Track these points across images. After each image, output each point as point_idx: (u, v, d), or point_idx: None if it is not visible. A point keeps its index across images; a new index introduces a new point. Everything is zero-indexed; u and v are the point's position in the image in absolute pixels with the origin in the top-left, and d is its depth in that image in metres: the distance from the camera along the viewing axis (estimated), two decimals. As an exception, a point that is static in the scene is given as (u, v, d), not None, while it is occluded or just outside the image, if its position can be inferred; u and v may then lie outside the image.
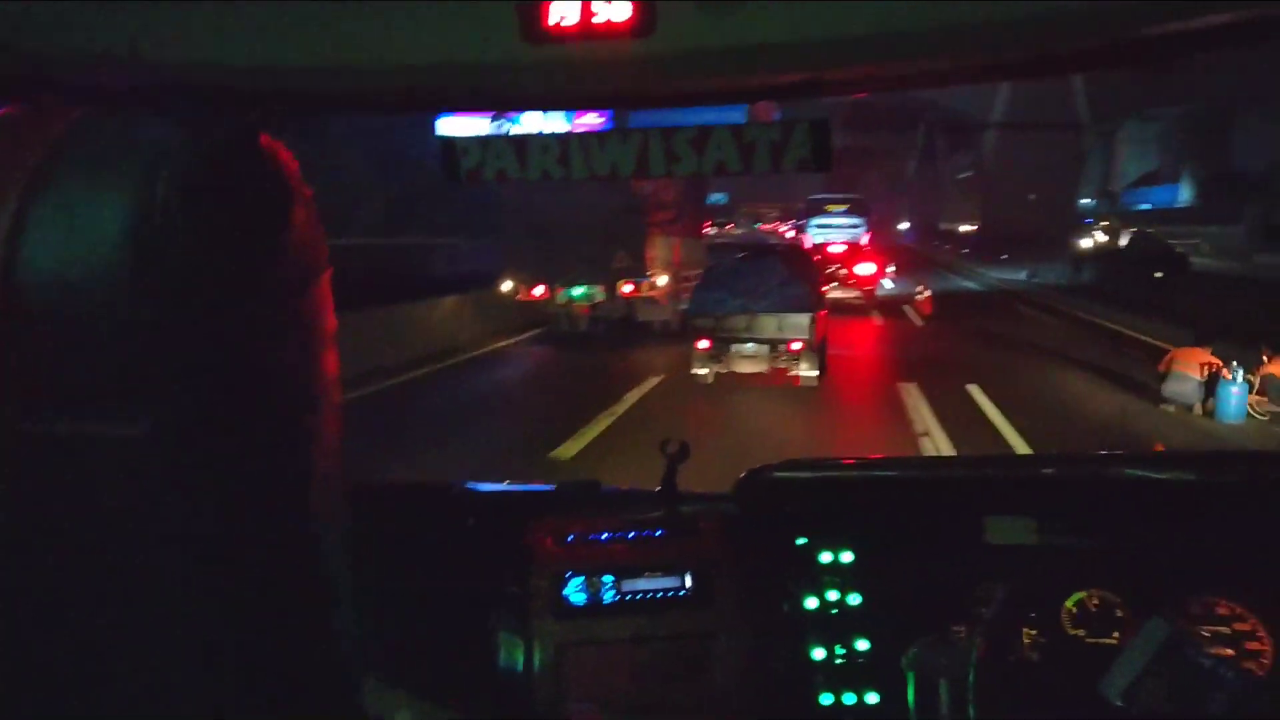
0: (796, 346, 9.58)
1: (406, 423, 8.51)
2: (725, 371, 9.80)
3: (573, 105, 1.42)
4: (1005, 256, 31.37)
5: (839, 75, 0.93)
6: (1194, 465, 1.39)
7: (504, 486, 1.65)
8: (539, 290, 13.93)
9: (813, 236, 28.41)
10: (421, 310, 13.16)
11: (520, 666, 1.35)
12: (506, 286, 14.37)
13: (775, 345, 9.65)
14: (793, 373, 9.63)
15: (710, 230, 22.36)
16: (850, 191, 35.39)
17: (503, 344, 14.29)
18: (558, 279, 13.88)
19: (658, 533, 1.43)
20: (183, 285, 0.65)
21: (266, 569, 0.72)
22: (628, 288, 13.94)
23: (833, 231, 28.30)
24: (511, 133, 1.16)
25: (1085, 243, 34.56)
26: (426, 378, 11.18)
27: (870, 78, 1.01)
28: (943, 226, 60.74)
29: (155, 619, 0.70)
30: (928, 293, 17.90)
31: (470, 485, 1.58)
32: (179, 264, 0.64)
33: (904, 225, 64.92)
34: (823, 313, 10.15)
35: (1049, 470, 1.41)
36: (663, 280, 14.57)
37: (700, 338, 9.78)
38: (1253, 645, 1.22)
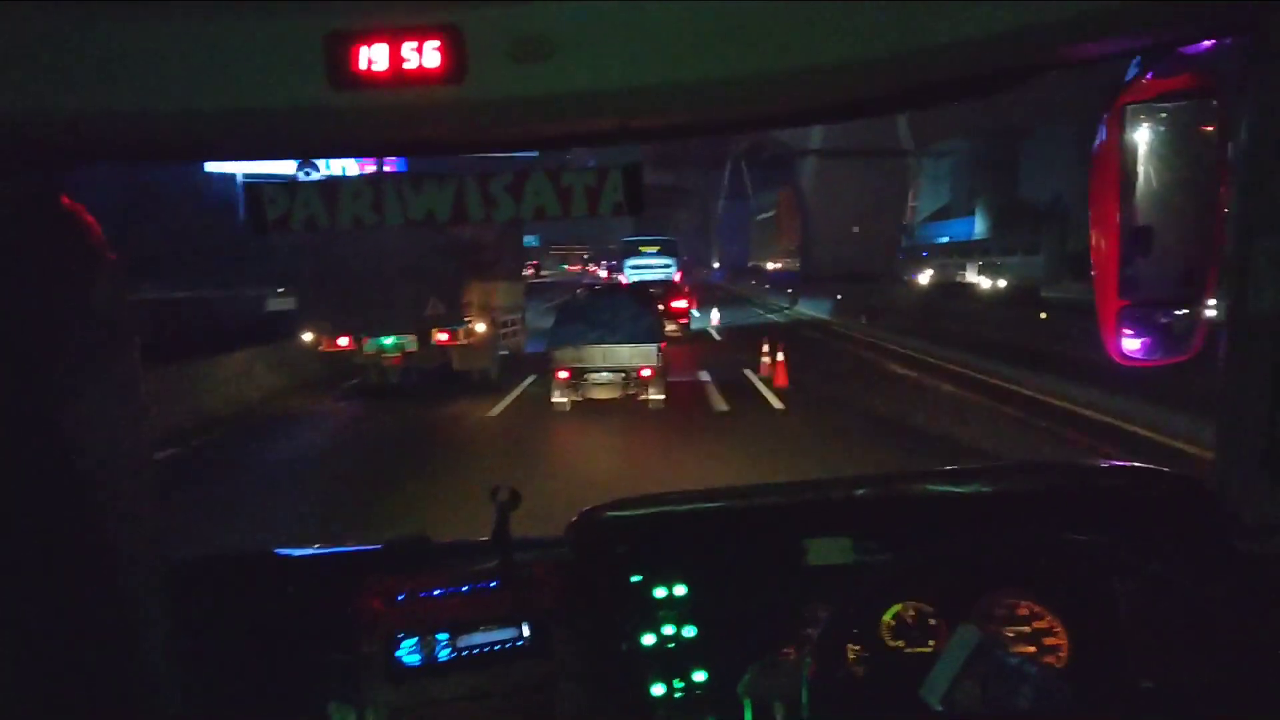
0: (647, 373, 11.33)
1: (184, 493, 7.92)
2: (582, 399, 11.37)
3: (382, 152, 1.45)
4: (840, 297, 29.52)
5: (646, 123, 1.03)
6: (991, 478, 1.57)
7: (327, 550, 1.63)
8: (343, 341, 13.34)
9: (629, 275, 32.98)
10: (197, 369, 12.30)
11: None
12: (307, 337, 13.55)
13: (628, 373, 11.34)
14: (642, 397, 11.42)
15: (528, 273, 22.15)
16: (661, 233, 40.85)
17: (300, 402, 13.56)
18: (364, 328, 13.32)
19: (492, 584, 1.46)
20: None
21: (79, 648, 0.70)
22: (443, 336, 13.62)
23: (647, 271, 33.10)
24: (313, 177, 1.17)
25: (922, 278, 35.70)
26: (197, 449, 10.23)
27: (676, 125, 1.11)
28: (751, 264, 62.69)
29: None
30: (780, 355, 13.52)
31: (289, 551, 1.55)
32: None
33: (715, 264, 68.20)
34: (665, 343, 11.78)
35: (861, 491, 1.56)
36: (481, 327, 14.41)
37: (560, 369, 11.32)
38: (1051, 641, 1.40)
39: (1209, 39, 1.39)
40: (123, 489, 0.70)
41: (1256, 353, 1.30)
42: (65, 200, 0.67)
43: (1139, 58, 1.50)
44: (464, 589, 1.46)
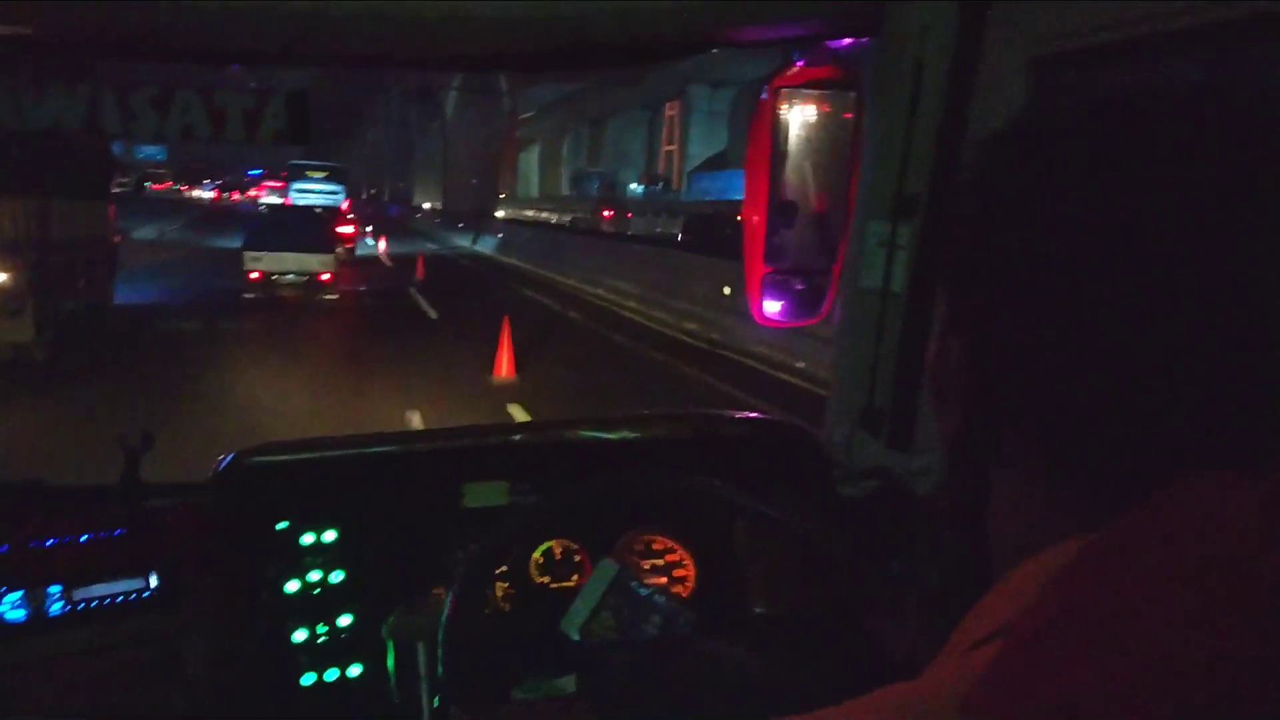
0: (325, 277, 16.75)
1: None
2: (267, 296, 16.05)
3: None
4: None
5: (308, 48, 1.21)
6: (635, 426, 1.89)
7: None
8: None
9: (295, 199, 38.23)
10: None
11: None
12: None
13: (310, 276, 16.53)
14: (321, 296, 16.61)
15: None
16: (332, 159, 47.28)
17: None
18: None
19: (116, 533, 1.54)
20: None
21: None
22: None
23: (313, 196, 38.15)
24: None
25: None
26: None
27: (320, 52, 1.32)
28: (418, 202, 65.20)
29: None
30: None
31: None
32: None
33: (385, 198, 69.79)
34: (339, 249, 18.54)
35: (518, 437, 1.82)
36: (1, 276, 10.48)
37: (251, 271, 16.13)
38: (680, 573, 1.75)
39: (843, 37, 1.77)
40: None
41: (862, 323, 1.69)
42: None
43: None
44: (83, 538, 1.53)
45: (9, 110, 1.29)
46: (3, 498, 1.59)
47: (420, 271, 21.73)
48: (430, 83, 52.81)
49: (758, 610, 1.71)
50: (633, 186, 41.46)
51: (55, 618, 1.49)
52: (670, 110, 40.58)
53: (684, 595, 1.76)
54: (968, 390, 0.62)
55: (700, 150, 36.97)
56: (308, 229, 17.27)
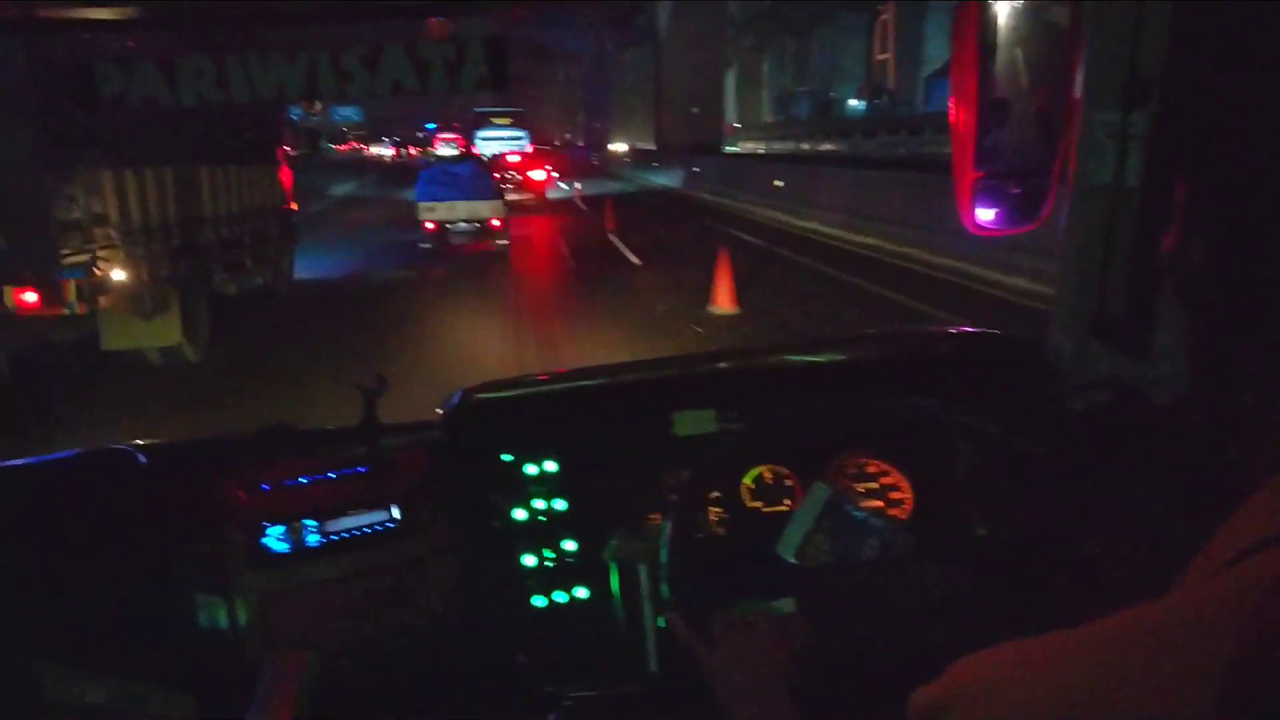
0: (497, 224, 17.55)
1: None
2: (443, 245, 17.18)
3: (221, 15, 1.57)
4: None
5: None
6: (843, 347, 1.84)
7: (183, 441, 1.78)
8: None
9: (479, 147, 39.72)
10: None
11: (224, 624, 1.54)
12: None
13: (481, 224, 17.40)
14: (493, 242, 17.43)
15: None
16: (515, 105, 48.15)
17: None
18: None
19: (360, 469, 1.65)
20: None
21: None
22: (29, 297, 7.41)
23: (497, 143, 39.51)
24: None
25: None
26: None
27: None
28: (619, 143, 62.98)
29: None
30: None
31: (136, 446, 1.69)
32: None
33: (581, 143, 70.19)
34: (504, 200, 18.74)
35: (724, 364, 1.81)
36: (119, 274, 7.99)
37: (426, 222, 17.36)
38: (896, 495, 1.71)
39: None
40: None
41: (1092, 223, 1.57)
42: None
43: None
44: (331, 475, 1.66)
45: (241, 82, 1.35)
46: (260, 441, 1.73)
47: (724, 295, 10.96)
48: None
49: (980, 532, 1.66)
50: (852, 102, 37.97)
51: (311, 548, 1.63)
52: (883, 12, 36.83)
53: (901, 518, 1.74)
54: (1211, 292, 0.56)
55: (938, 53, 32.04)
56: (476, 177, 17.81)
